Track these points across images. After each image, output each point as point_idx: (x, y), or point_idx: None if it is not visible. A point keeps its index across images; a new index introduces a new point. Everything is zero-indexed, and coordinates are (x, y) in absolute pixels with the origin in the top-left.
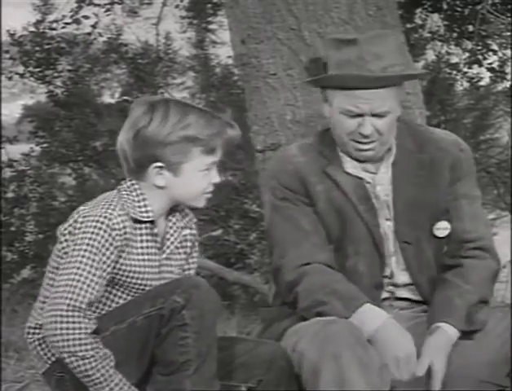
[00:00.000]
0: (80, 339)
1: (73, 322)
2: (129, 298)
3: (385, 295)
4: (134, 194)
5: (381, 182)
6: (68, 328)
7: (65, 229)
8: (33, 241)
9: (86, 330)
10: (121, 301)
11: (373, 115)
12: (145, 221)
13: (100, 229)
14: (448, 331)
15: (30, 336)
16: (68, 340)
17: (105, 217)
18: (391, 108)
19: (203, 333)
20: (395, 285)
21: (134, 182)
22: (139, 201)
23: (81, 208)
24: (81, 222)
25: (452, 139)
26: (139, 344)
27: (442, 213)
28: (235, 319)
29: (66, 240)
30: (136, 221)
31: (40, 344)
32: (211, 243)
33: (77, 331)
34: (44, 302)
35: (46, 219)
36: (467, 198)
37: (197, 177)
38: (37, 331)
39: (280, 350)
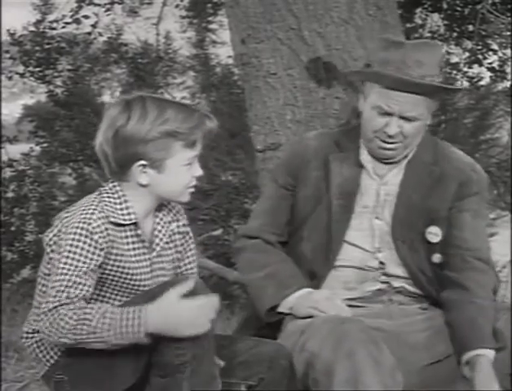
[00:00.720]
0: (65, 314)
1: (59, 314)
2: (124, 299)
3: (380, 286)
4: (115, 196)
5: (388, 183)
6: (55, 319)
7: (50, 239)
8: (33, 241)
9: (68, 307)
10: (117, 303)
11: (402, 117)
12: (128, 224)
13: (81, 235)
14: (487, 356)
15: (28, 340)
16: (57, 328)
17: (84, 222)
18: (420, 115)
19: (199, 335)
20: (388, 275)
21: (115, 183)
22: (120, 203)
23: (64, 215)
24: (64, 232)
25: (468, 161)
26: (136, 347)
27: (437, 220)
28: (235, 319)
29: (52, 251)
30: (119, 224)
31: (38, 347)
32: (211, 242)
33: (62, 317)
34: (38, 308)
35: (46, 219)
36: (471, 212)
37: (181, 172)
38: (35, 334)
39: (281, 349)
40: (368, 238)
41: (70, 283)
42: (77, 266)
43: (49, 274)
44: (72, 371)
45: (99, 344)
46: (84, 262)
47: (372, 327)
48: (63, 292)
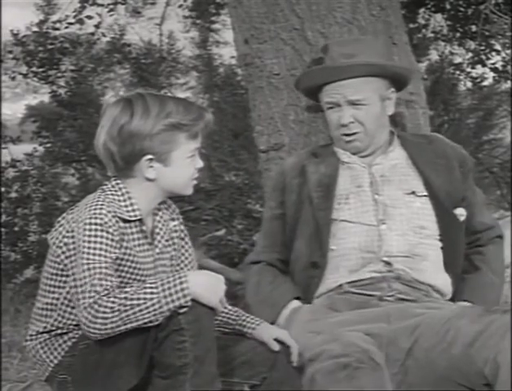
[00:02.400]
0: (105, 305)
1: (99, 306)
2: None
3: (381, 268)
4: (119, 193)
5: (379, 164)
6: (97, 311)
7: (60, 240)
8: (37, 241)
9: (107, 297)
10: None
11: (350, 104)
12: (133, 220)
13: (96, 230)
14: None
15: (33, 342)
16: (102, 319)
17: (95, 217)
18: (367, 99)
19: (200, 337)
20: (390, 256)
21: (118, 181)
22: (124, 200)
23: (70, 217)
24: (76, 232)
25: (453, 142)
26: (138, 347)
27: (460, 200)
28: None
29: (65, 252)
30: (125, 220)
31: (42, 348)
32: (214, 243)
33: (103, 308)
34: (43, 309)
35: (49, 219)
36: (477, 192)
37: (185, 164)
38: (39, 336)
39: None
40: (370, 212)
41: (102, 276)
42: (100, 259)
43: (56, 274)
44: (76, 371)
45: (144, 318)
46: (105, 255)
47: (369, 333)
48: (96, 285)
